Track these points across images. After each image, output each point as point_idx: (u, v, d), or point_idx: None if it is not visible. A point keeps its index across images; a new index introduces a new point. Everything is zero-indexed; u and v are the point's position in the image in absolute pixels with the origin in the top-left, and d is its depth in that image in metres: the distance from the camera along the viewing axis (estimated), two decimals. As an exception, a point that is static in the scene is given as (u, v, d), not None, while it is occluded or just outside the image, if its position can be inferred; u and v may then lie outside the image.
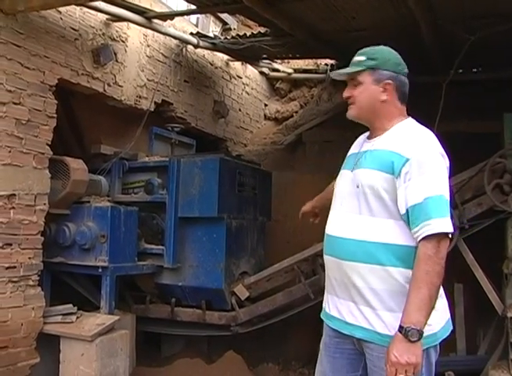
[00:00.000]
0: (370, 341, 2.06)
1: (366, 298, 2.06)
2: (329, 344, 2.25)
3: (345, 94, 2.24)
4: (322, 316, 2.29)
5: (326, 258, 2.25)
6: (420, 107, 5.22)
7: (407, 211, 1.97)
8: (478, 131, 5.23)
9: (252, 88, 6.98)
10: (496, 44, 4.63)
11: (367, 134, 2.29)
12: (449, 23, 4.19)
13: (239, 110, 6.67)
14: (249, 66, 6.80)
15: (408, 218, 1.98)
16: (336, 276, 2.20)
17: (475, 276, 4.35)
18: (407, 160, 1.99)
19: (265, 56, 6.16)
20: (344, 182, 2.24)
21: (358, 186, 2.14)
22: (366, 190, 2.10)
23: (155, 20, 4.80)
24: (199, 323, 4.67)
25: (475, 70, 5.91)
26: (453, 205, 4.21)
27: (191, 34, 5.49)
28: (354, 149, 2.32)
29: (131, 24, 4.76)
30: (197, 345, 5.16)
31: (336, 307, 2.21)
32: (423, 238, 1.91)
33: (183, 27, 5.60)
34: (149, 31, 4.99)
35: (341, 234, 2.18)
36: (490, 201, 4.11)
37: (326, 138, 5.64)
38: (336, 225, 2.22)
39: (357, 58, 2.21)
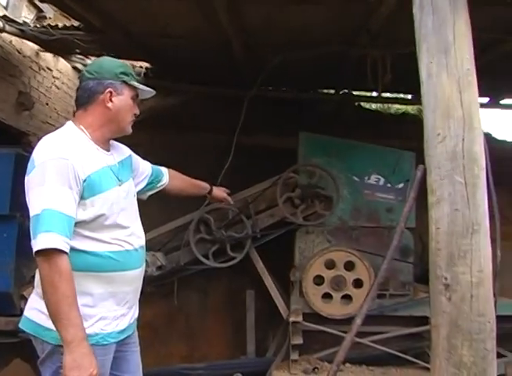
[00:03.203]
0: None
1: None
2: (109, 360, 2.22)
3: (138, 113, 2.34)
4: (108, 340, 2.18)
5: (131, 272, 2.23)
6: (227, 119, 5.50)
7: None
8: (279, 147, 5.56)
9: (63, 83, 6.69)
10: (300, 68, 4.99)
11: (90, 145, 2.20)
12: (259, 44, 4.41)
13: (47, 104, 6.35)
14: (61, 59, 6.50)
15: None
16: (138, 285, 2.31)
17: (267, 283, 4.62)
18: None
19: (77, 50, 5.94)
20: (124, 195, 2.28)
21: (134, 196, 2.38)
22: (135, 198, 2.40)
23: (-47, -3, 4.40)
24: (-17, 329, 4.34)
25: (284, 88, 6.28)
26: (247, 215, 4.44)
27: (-4, 17, 5.12)
28: (100, 163, 2.19)
29: None
30: (-19, 354, 4.79)
31: (131, 316, 2.31)
32: None
33: (-12, 8, 5.20)
34: None
35: (142, 243, 2.32)
36: (281, 213, 4.37)
37: (135, 141, 5.57)
38: (138, 238, 2.29)
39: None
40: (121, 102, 2.22)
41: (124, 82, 2.24)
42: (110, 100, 2.20)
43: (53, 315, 1.93)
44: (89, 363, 1.92)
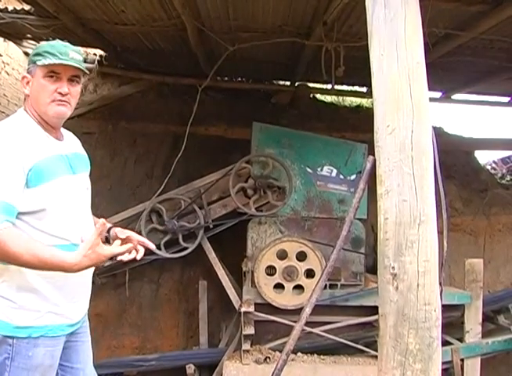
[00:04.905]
0: None
1: None
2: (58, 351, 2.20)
3: (66, 90, 2.13)
4: (57, 332, 2.15)
5: None
6: (181, 109, 5.46)
7: None
8: (236, 137, 5.56)
9: (13, 69, 6.46)
10: (255, 57, 4.98)
11: (39, 132, 2.15)
12: (214, 32, 4.37)
13: (-4, 90, 6.15)
14: (12, 44, 6.29)
15: None
16: (88, 277, 2.27)
17: (220, 274, 4.61)
18: None
19: (29, 35, 5.77)
20: (78, 186, 2.24)
21: (88, 189, 2.34)
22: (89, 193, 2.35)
23: None
24: None
25: (240, 79, 6.26)
26: (200, 205, 4.42)
27: None
28: (50, 151, 2.13)
29: None
30: None
31: (82, 308, 2.29)
32: None
33: None
34: None
35: None
36: (234, 203, 4.37)
37: (86, 129, 5.51)
38: (86, 231, 2.21)
39: (77, 55, 2.15)
40: (33, 84, 2.14)
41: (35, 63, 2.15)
42: (28, 85, 2.15)
43: (43, 267, 1.95)
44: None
